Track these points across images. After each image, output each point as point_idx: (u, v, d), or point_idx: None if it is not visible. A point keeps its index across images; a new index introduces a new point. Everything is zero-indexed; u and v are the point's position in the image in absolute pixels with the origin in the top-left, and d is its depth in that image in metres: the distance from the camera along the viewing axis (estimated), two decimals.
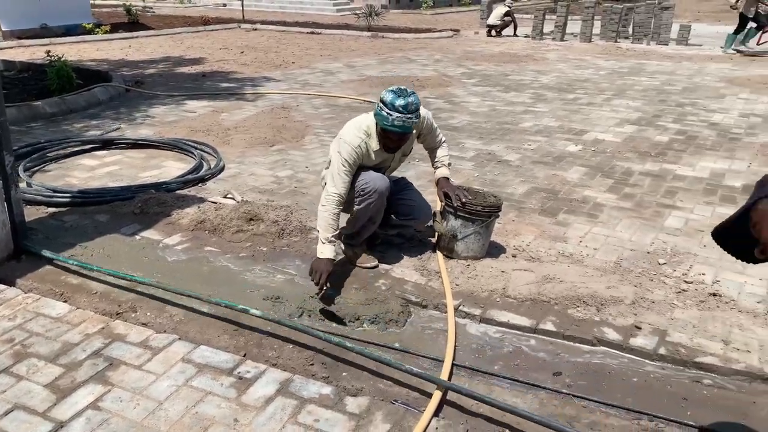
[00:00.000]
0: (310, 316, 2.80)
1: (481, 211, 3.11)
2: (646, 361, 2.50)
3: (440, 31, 15.64)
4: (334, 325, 2.75)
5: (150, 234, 3.62)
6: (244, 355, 2.50)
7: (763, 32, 13.07)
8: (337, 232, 2.98)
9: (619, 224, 3.82)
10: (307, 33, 15.20)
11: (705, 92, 8.53)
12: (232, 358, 2.44)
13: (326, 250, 2.88)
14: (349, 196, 3.08)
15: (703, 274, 3.17)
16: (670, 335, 2.62)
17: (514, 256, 3.34)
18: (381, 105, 2.91)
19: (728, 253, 1.43)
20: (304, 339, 2.60)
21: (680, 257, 3.37)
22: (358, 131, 3.04)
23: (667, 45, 14.07)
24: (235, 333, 2.68)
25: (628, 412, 2.21)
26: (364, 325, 2.73)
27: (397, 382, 2.38)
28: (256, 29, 15.76)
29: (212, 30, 15.41)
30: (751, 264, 1.37)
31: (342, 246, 3.29)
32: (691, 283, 3.07)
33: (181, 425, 2.06)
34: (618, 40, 14.43)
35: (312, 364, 2.48)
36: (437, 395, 2.23)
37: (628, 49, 13.26)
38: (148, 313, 2.81)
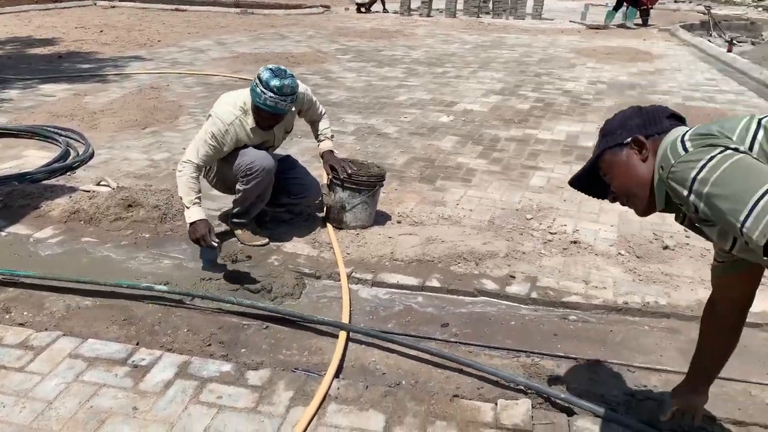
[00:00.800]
0: (203, 298, 2.79)
1: (367, 182, 3.24)
2: (521, 305, 2.78)
3: (311, 7, 15.52)
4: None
5: (17, 229, 3.37)
6: (137, 344, 2.45)
7: (641, 12, 14.41)
8: (200, 194, 2.94)
9: (490, 186, 4.13)
10: (172, 10, 14.46)
11: (558, 63, 9.26)
12: (124, 347, 2.39)
13: (194, 213, 2.86)
14: (232, 178, 3.07)
15: (565, 225, 3.54)
16: (540, 281, 2.92)
17: (399, 222, 3.51)
18: (257, 81, 2.91)
19: (590, 196, 1.65)
20: (199, 321, 2.60)
21: (545, 212, 3.72)
22: (234, 107, 3.02)
23: (523, 19, 15.00)
24: (125, 323, 2.61)
25: (509, 352, 2.45)
26: (261, 302, 2.77)
27: (296, 351, 2.46)
28: (114, 6, 14.74)
29: (64, 8, 14.19)
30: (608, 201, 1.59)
31: (231, 226, 3.28)
32: (555, 233, 3.42)
33: (75, 422, 2.00)
34: (480, 15, 15.14)
35: (209, 345, 2.49)
36: (336, 357, 2.34)
37: (489, 24, 13.99)
38: (25, 313, 2.65)
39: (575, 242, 3.31)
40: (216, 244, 2.82)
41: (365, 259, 3.09)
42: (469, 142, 5.09)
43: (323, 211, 3.49)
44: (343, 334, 2.48)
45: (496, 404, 2.12)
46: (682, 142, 1.31)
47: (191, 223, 2.84)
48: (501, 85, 7.46)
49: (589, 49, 10.68)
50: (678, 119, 1.50)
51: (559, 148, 5.02)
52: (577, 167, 4.46)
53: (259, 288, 2.81)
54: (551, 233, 3.42)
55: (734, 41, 12.22)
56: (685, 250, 3.26)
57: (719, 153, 1.23)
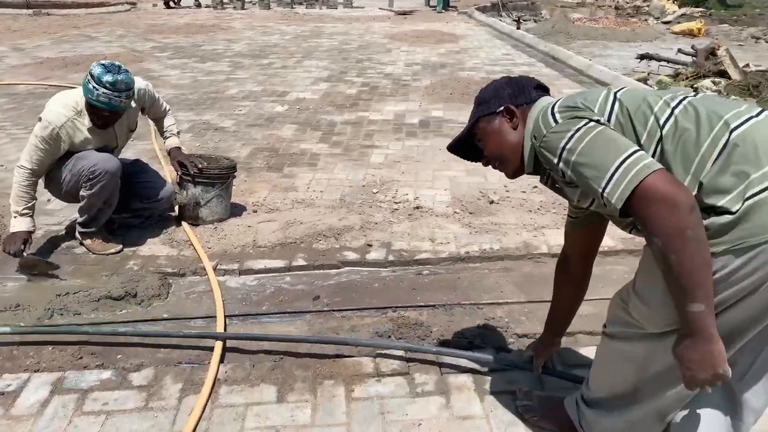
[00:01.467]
0: (62, 314, 2.67)
1: (219, 174, 3.29)
2: (381, 269, 3.06)
3: (115, 4, 14.53)
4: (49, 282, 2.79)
5: None
6: None
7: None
8: (32, 203, 2.89)
9: (336, 168, 4.37)
10: None
11: (376, 48, 9.77)
12: None
13: (17, 224, 2.84)
14: (76, 185, 2.96)
15: (407, 194, 3.89)
16: (394, 245, 3.22)
17: (255, 211, 3.61)
18: (89, 77, 2.82)
19: (466, 159, 1.82)
20: (63, 337, 2.51)
21: (387, 185, 4.05)
22: (65, 108, 2.90)
23: (336, 9, 15.44)
24: None
25: (377, 310, 2.71)
26: (127, 308, 2.72)
27: (176, 347, 2.48)
28: None
29: None
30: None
31: (79, 237, 3.15)
32: (400, 202, 3.75)
33: None
34: (294, 6, 15.29)
35: (81, 358, 2.42)
36: (218, 345, 2.43)
37: (305, 14, 14.22)
38: None
39: (418, 208, 3.67)
40: (24, 249, 2.79)
41: (228, 251, 3.16)
42: (308, 129, 5.29)
43: (176, 210, 3.47)
44: (220, 321, 2.56)
45: (375, 357, 2.37)
46: (552, 114, 1.46)
47: (11, 233, 2.76)
48: (327, 72, 7.73)
49: (400, 33, 11.38)
50: (543, 89, 1.66)
51: (389, 126, 5.41)
52: (408, 142, 4.93)
53: (122, 294, 2.76)
54: (396, 203, 3.75)
55: (521, 20, 13.76)
56: (507, 203, 3.77)
57: (584, 125, 1.38)
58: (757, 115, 1.36)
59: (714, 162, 1.32)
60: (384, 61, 8.57)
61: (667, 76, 8.09)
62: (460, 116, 5.73)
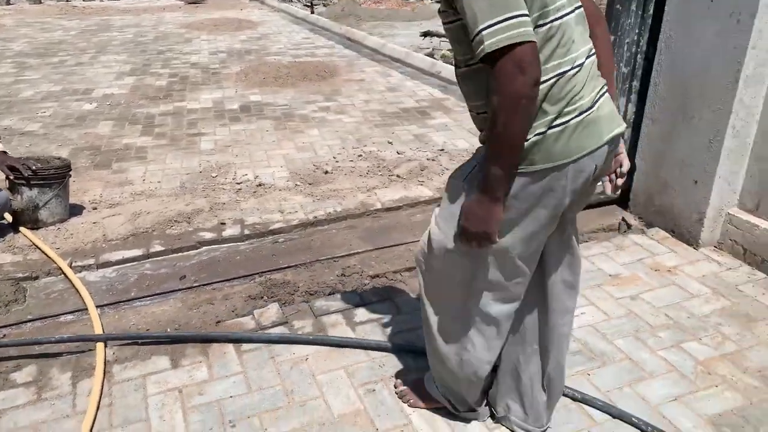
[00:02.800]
0: None
1: (56, 174, 3.21)
2: (239, 243, 3.28)
3: None
4: None
5: None
6: None
7: None
8: None
9: (167, 158, 4.41)
10: None
11: (174, 38, 9.52)
12: None
13: None
14: None
15: (246, 174, 4.11)
16: (246, 220, 3.45)
17: (95, 208, 3.57)
18: None
19: None
20: None
21: (224, 168, 4.22)
22: None
23: (119, 0, 14.49)
24: None
25: (245, 278, 2.95)
26: None
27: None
28: None
29: None
30: None
31: None
32: (241, 182, 3.96)
33: None
34: (69, 0, 14.05)
35: None
36: (98, 328, 2.49)
37: (84, 8, 13.14)
38: None
39: (260, 185, 3.92)
40: None
41: (79, 248, 3.13)
42: (126, 124, 5.17)
43: (7, 218, 3.30)
44: (94, 315, 2.60)
45: (253, 314, 2.63)
46: None
47: None
48: (129, 66, 7.44)
49: (196, 22, 11.16)
50: None
51: (211, 114, 5.49)
52: (235, 127, 5.11)
53: None
54: (238, 183, 3.95)
55: (313, 4, 14.24)
56: (340, 171, 4.18)
57: None
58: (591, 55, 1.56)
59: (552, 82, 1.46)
60: (187, 51, 8.44)
61: (448, 50, 9.13)
62: (278, 98, 6.00)
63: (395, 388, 2.19)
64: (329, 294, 2.79)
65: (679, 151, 3.29)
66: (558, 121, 1.49)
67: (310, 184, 3.96)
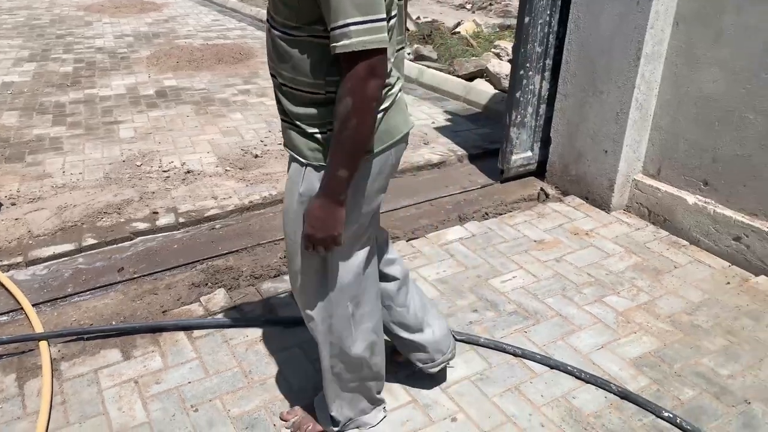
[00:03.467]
0: None
1: None
2: (175, 232, 3.24)
3: None
4: None
5: None
6: None
7: None
8: None
9: (85, 148, 4.22)
10: None
11: (74, 21, 8.96)
12: None
13: None
14: None
15: (172, 161, 4.02)
16: (180, 208, 3.41)
17: (14, 204, 3.39)
18: None
19: None
20: None
21: (149, 156, 4.11)
22: None
23: None
24: None
25: (186, 266, 2.94)
26: None
27: None
28: None
29: None
30: None
31: None
32: (169, 170, 3.88)
33: None
34: None
35: None
36: (38, 326, 2.42)
37: None
38: None
39: (189, 172, 3.86)
40: None
41: (3, 246, 2.98)
42: (34, 114, 4.87)
43: None
44: (29, 310, 2.52)
45: (200, 301, 2.64)
46: None
47: None
48: (27, 52, 6.96)
49: (96, 5, 10.53)
50: None
51: (126, 101, 5.28)
52: (153, 114, 4.97)
53: None
54: (165, 171, 3.87)
55: None
56: (269, 155, 4.18)
57: None
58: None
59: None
60: (90, 35, 7.98)
61: None
62: (195, 83, 5.85)
63: (284, 421, 2.02)
64: (275, 276, 2.84)
65: (591, 124, 3.56)
66: (384, 105, 1.50)
67: (240, 168, 3.94)
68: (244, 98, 5.44)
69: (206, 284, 2.78)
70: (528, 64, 3.68)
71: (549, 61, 3.75)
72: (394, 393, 2.15)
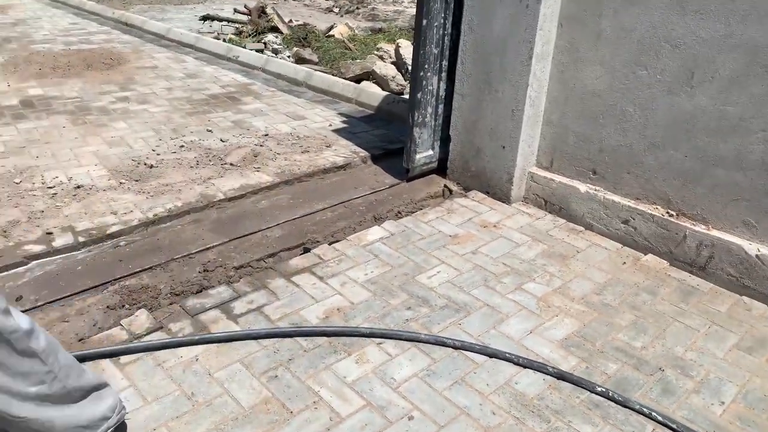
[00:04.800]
0: None
1: None
2: (76, 252, 2.96)
3: None
4: None
5: None
6: None
7: None
8: None
9: None
10: None
11: None
12: None
13: None
14: None
15: (57, 177, 3.66)
16: (77, 226, 3.12)
17: None
18: None
19: None
20: None
21: (28, 172, 3.71)
22: None
23: None
24: None
25: (96, 288, 2.70)
26: None
27: None
28: None
29: None
30: None
31: None
32: (54, 186, 3.53)
33: None
34: None
35: None
36: None
37: None
38: None
39: (79, 187, 3.54)
40: None
41: None
42: None
43: None
44: None
45: (121, 324, 2.44)
46: None
47: None
48: None
49: None
50: None
51: None
52: (23, 125, 4.52)
53: None
54: (50, 187, 3.51)
55: None
56: (165, 165, 3.95)
57: None
58: None
59: None
60: None
61: (232, 34, 8.96)
62: (65, 91, 5.36)
63: None
64: (198, 292, 2.70)
65: (488, 121, 3.77)
66: None
67: (136, 180, 3.69)
68: (124, 106, 5.08)
69: (123, 306, 2.58)
70: (426, 65, 3.80)
71: (445, 62, 3.91)
72: (347, 398, 2.14)
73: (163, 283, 2.75)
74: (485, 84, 3.72)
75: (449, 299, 2.76)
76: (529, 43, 3.44)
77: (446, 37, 3.84)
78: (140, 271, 2.83)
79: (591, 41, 3.37)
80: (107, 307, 2.56)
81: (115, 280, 2.76)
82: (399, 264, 3.01)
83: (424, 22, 3.65)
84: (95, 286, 2.70)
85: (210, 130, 4.61)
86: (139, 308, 2.55)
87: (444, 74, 3.94)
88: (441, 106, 4.01)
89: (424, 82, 3.84)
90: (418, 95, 3.84)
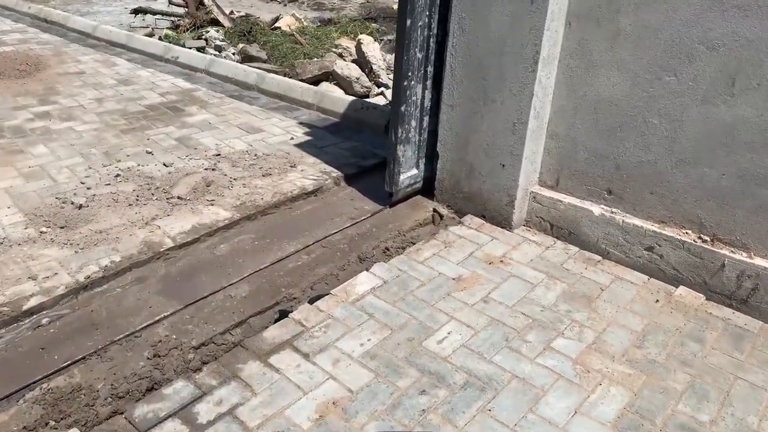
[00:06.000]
0: None
1: None
2: None
3: None
4: None
5: None
6: None
7: None
8: None
9: None
10: None
11: None
12: None
13: None
14: None
15: None
16: None
17: None
18: None
19: None
20: None
21: None
22: None
23: None
24: None
25: (9, 399, 2.02)
26: None
27: None
28: None
29: None
30: None
31: None
32: None
33: None
34: None
35: None
36: None
37: None
38: None
39: None
40: None
41: None
42: None
43: None
44: None
45: None
46: None
47: None
48: None
49: None
50: None
51: None
52: None
53: None
54: None
55: None
56: (98, 202, 3.24)
57: None
58: None
59: None
60: None
61: (168, 29, 8.12)
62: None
63: None
64: (148, 390, 2.07)
65: (483, 135, 3.23)
66: None
67: (61, 227, 2.97)
68: (44, 124, 4.28)
69: (47, 424, 1.92)
70: (410, 73, 3.23)
71: (430, 68, 3.34)
72: None
73: (102, 381, 2.09)
74: (480, 93, 3.18)
75: (469, 373, 2.22)
76: (534, 46, 2.91)
77: (431, 39, 3.26)
78: (70, 365, 2.16)
79: (606, 42, 2.87)
80: (24, 428, 1.90)
81: (35, 382, 2.08)
82: (400, 325, 2.45)
83: (408, 22, 3.06)
84: (7, 396, 2.02)
85: (150, 152, 3.90)
86: (70, 426, 1.89)
87: (429, 82, 3.37)
88: (426, 119, 3.45)
89: (408, 92, 3.26)
90: (402, 108, 3.26)
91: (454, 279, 2.79)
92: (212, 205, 3.27)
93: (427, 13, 3.17)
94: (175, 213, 3.17)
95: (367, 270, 2.80)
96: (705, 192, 2.78)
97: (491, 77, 3.11)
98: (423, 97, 3.38)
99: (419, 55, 3.24)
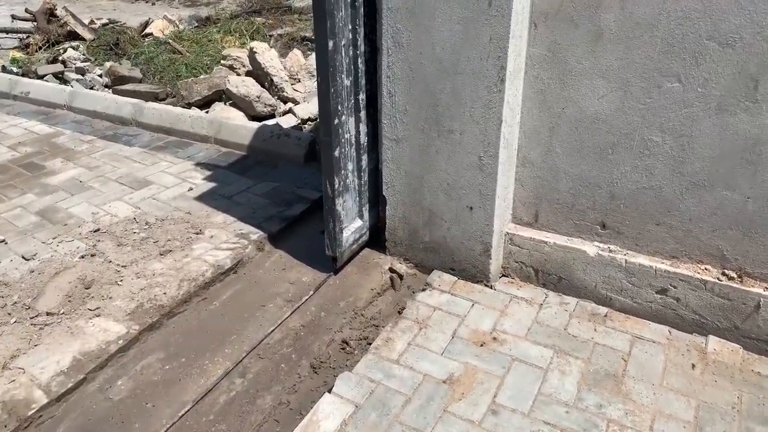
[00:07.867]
0: None
1: None
2: None
3: None
4: None
5: None
6: None
7: None
8: None
9: None
10: None
11: None
12: None
13: None
14: None
15: None
16: None
17: None
18: None
19: None
20: None
21: None
22: None
23: None
24: None
25: None
26: None
27: None
28: None
29: None
30: None
31: None
32: None
33: None
34: None
35: None
36: None
37: None
38: None
39: None
40: None
41: None
42: None
43: None
44: None
45: None
46: None
47: None
48: None
49: None
50: None
51: None
52: None
53: None
54: None
55: None
56: None
57: None
58: None
59: None
60: None
61: (15, 49, 6.83)
62: None
63: None
64: None
65: (442, 174, 2.55)
66: None
67: None
68: None
69: None
70: (340, 107, 2.47)
71: (362, 96, 2.60)
72: None
73: None
74: (431, 123, 2.49)
75: None
76: (498, 60, 2.25)
77: (359, 59, 2.52)
78: None
79: (586, 46, 2.26)
80: None
81: None
82: None
83: (331, 44, 2.29)
84: None
85: (2, 240, 2.91)
86: None
87: (363, 113, 2.63)
88: (365, 157, 2.72)
89: (340, 130, 2.50)
90: (335, 152, 2.51)
91: (445, 382, 2.11)
92: (98, 316, 2.39)
93: (350, 27, 2.41)
94: (45, 340, 2.26)
95: (330, 391, 2.06)
96: (726, 220, 2.26)
97: (444, 102, 2.42)
98: (358, 131, 2.65)
99: (347, 83, 2.49)
